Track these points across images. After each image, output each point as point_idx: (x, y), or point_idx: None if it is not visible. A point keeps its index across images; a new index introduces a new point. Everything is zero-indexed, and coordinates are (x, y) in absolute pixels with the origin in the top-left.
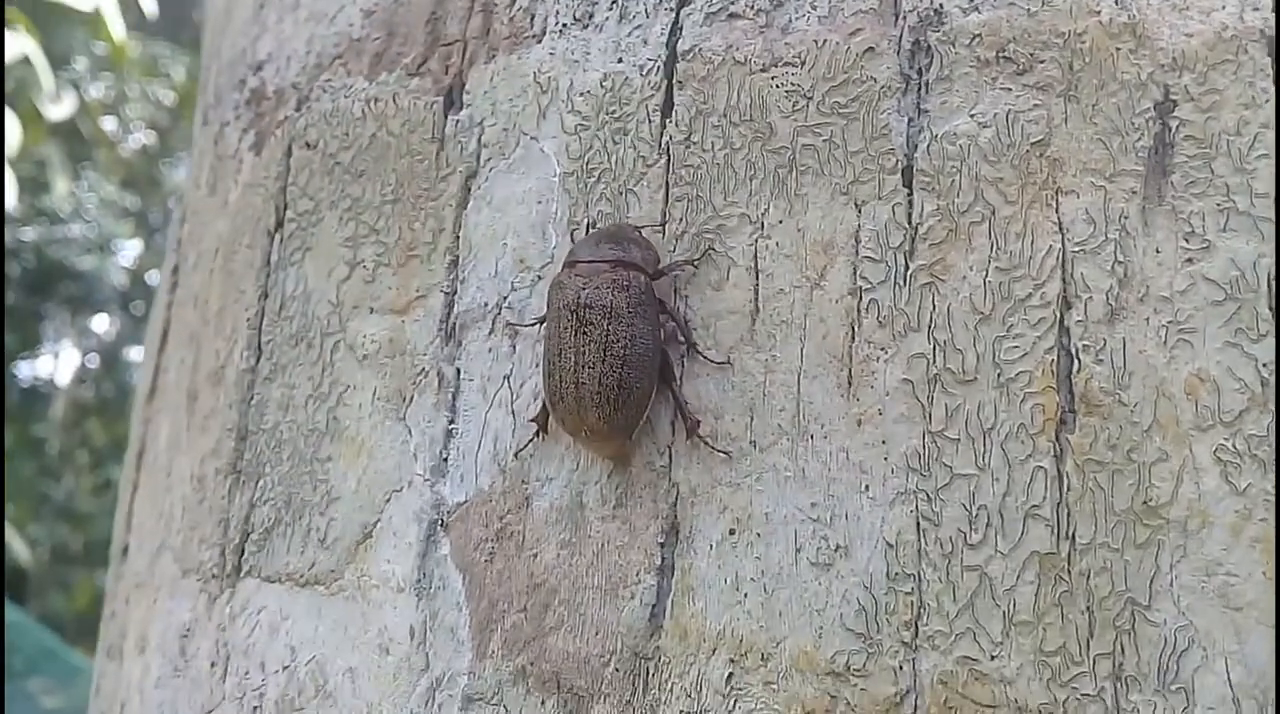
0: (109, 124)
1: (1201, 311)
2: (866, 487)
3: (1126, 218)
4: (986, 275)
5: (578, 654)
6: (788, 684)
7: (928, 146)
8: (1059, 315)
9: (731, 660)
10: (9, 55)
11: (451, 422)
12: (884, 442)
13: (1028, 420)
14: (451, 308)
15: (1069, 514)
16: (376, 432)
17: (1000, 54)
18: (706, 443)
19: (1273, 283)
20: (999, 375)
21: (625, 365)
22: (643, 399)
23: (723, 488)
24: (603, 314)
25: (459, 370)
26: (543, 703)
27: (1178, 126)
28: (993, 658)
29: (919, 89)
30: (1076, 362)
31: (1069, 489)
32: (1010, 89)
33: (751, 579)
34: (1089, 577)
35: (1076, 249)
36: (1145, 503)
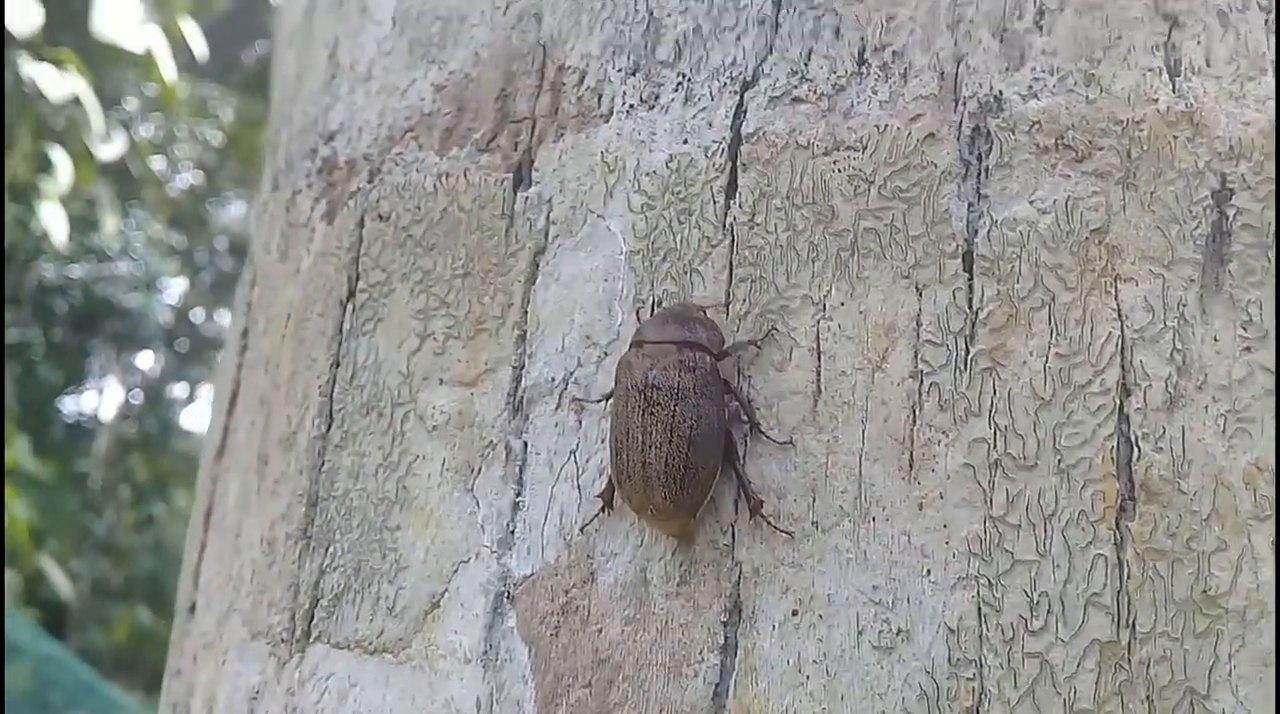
0: (157, 164)
1: (1259, 401)
2: (928, 571)
3: (1185, 306)
4: (1047, 361)
5: None
6: None
7: (988, 232)
8: (1119, 402)
9: None
10: (59, 94)
11: (519, 494)
12: (945, 526)
13: (1088, 507)
14: (519, 382)
15: (1129, 602)
16: (445, 502)
17: (1059, 141)
18: (770, 522)
19: None
20: (1059, 461)
21: (691, 446)
22: (708, 479)
23: (785, 568)
24: (670, 395)
25: (526, 444)
26: None
27: (1235, 215)
28: None
29: (979, 175)
30: (1136, 449)
31: (1129, 577)
32: (1069, 176)
33: (814, 661)
34: (1149, 665)
35: (1135, 336)
36: (1205, 592)
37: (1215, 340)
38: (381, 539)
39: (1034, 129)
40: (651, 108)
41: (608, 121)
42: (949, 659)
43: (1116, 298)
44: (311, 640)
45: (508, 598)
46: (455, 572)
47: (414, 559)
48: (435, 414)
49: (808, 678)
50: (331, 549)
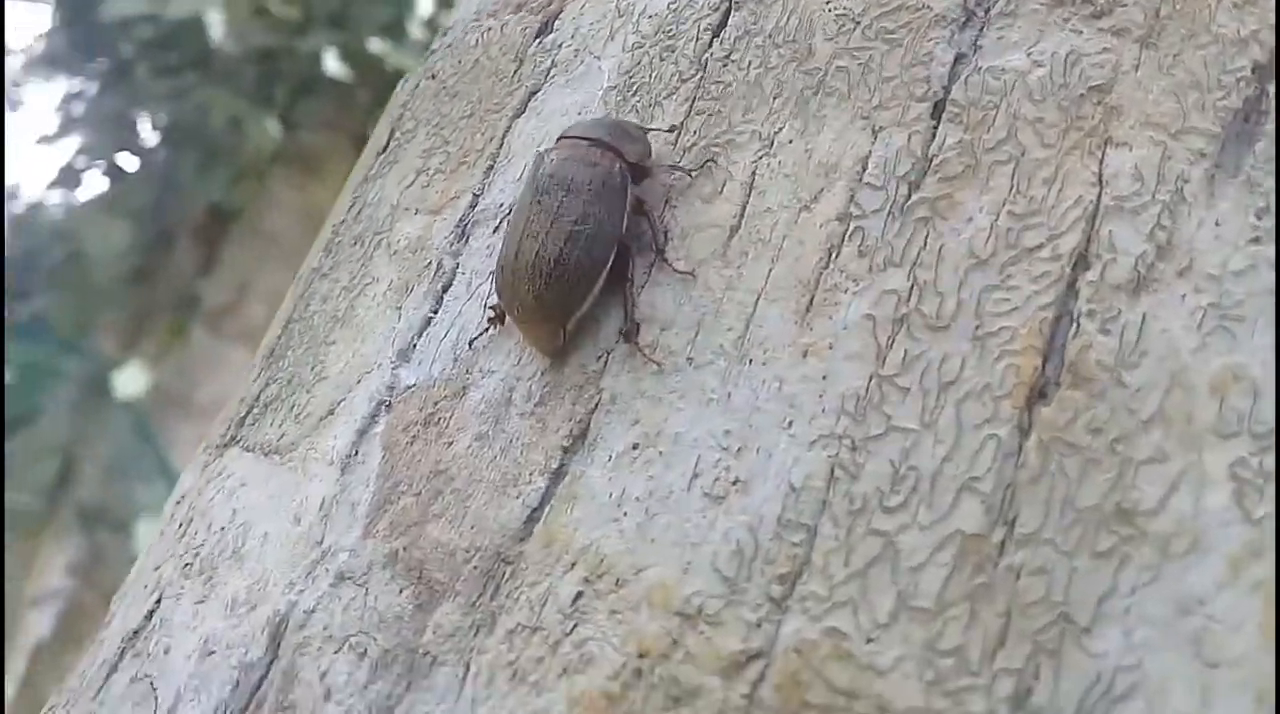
0: None
1: (1257, 299)
2: (790, 423)
3: (1186, 182)
4: (996, 219)
5: (446, 546)
6: (633, 617)
7: (967, 78)
8: (1069, 274)
9: (585, 580)
10: None
11: (434, 311)
12: (824, 377)
13: (996, 381)
14: (475, 207)
15: (1014, 496)
16: (377, 319)
17: None
18: (640, 351)
19: None
20: (977, 328)
21: (569, 241)
22: (580, 283)
23: (643, 400)
24: (560, 185)
25: (458, 265)
26: (400, 591)
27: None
28: (869, 640)
29: (980, 27)
30: (1076, 326)
31: (1023, 466)
32: (1081, 31)
33: (637, 498)
34: (1019, 575)
35: (1112, 204)
36: (1119, 505)
37: (1216, 225)
38: (316, 353)
39: None
40: None
41: None
42: (779, 519)
43: (1101, 162)
44: (231, 445)
45: (386, 407)
46: (358, 382)
47: (333, 371)
48: (400, 240)
49: (625, 514)
50: (279, 364)
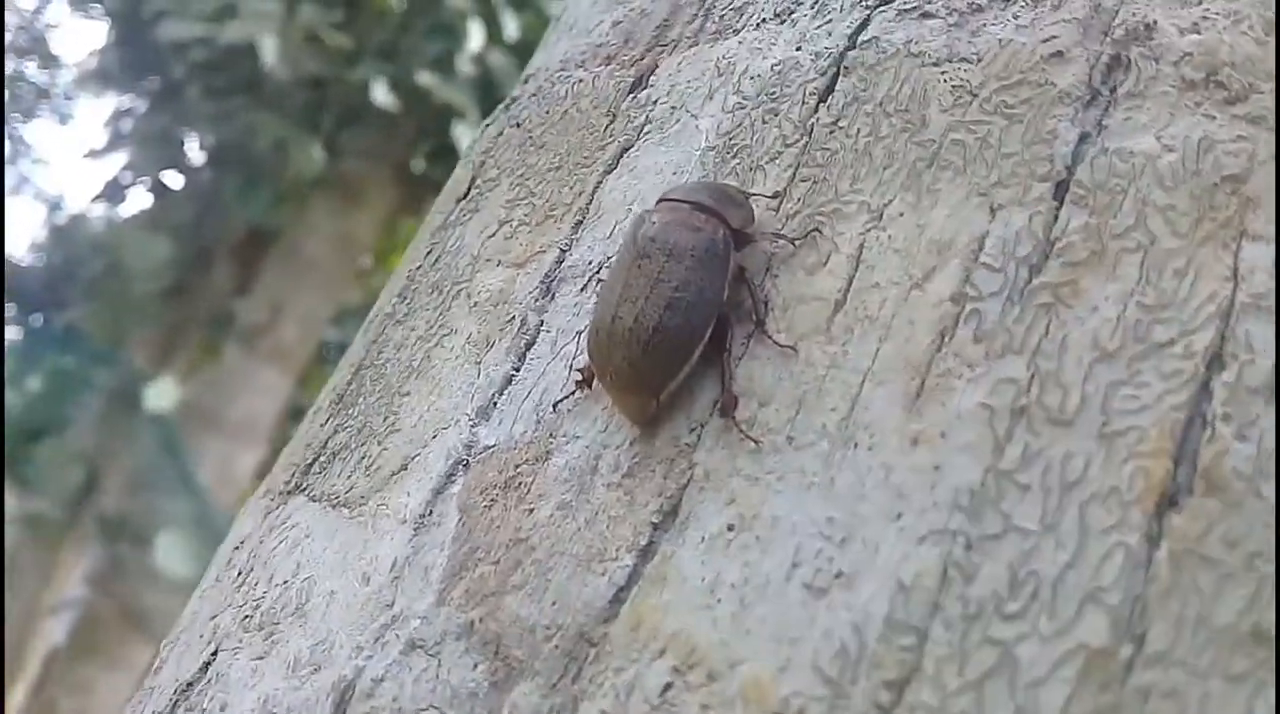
0: None
1: None
2: (899, 515)
3: None
4: (1124, 310)
5: (526, 621)
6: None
7: (1092, 159)
8: (1204, 372)
9: (675, 669)
10: None
11: (516, 369)
12: (936, 468)
13: (1124, 485)
14: (561, 263)
15: (1145, 611)
16: (455, 373)
17: (1211, 77)
18: (737, 426)
19: None
20: (1104, 425)
21: (669, 309)
22: (677, 354)
23: (739, 479)
24: (663, 250)
25: (542, 321)
26: (475, 666)
27: None
28: None
29: (1106, 106)
30: (1211, 429)
31: (1154, 579)
32: (1214, 117)
33: (731, 585)
34: (1148, 696)
35: (1249, 302)
36: (1257, 626)
37: None
38: (389, 404)
39: (1183, 60)
40: (783, 21)
41: (737, 35)
42: (886, 618)
43: (1236, 255)
44: (296, 493)
45: (464, 466)
46: (434, 437)
47: (407, 423)
48: (480, 292)
49: (718, 601)
50: (350, 411)
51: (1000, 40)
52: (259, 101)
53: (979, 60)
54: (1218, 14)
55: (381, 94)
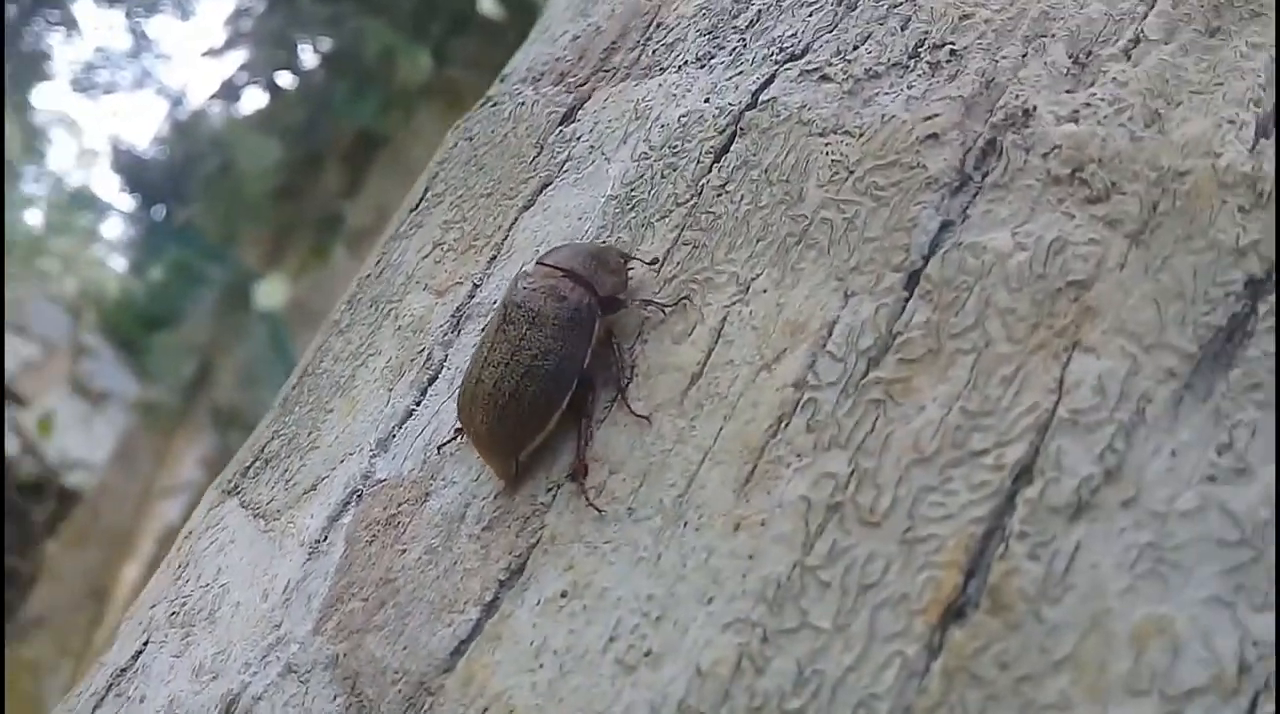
0: None
1: (1198, 546)
2: (710, 599)
3: (1149, 402)
4: (948, 413)
5: (380, 662)
6: None
7: (945, 253)
8: (1009, 486)
9: None
10: None
11: (417, 403)
12: (751, 556)
13: (915, 592)
14: (472, 298)
15: None
16: (371, 397)
17: (1076, 173)
18: (584, 492)
19: None
20: (908, 530)
21: (527, 376)
22: (533, 419)
23: (580, 546)
24: (526, 317)
25: (446, 357)
26: (334, 698)
27: (1266, 314)
28: None
29: (974, 193)
30: (1005, 545)
31: (924, 692)
32: (1073, 216)
33: (555, 651)
34: None
35: (1067, 418)
36: None
37: (1173, 455)
38: (316, 418)
39: (1053, 153)
40: (702, 66)
41: (662, 74)
42: (680, 704)
43: (1065, 367)
44: (232, 494)
45: (358, 497)
46: (341, 462)
47: (325, 442)
48: (406, 316)
49: (540, 666)
50: (286, 418)
51: (884, 116)
52: (369, 8)
53: (860, 135)
54: (1101, 101)
55: (488, 4)
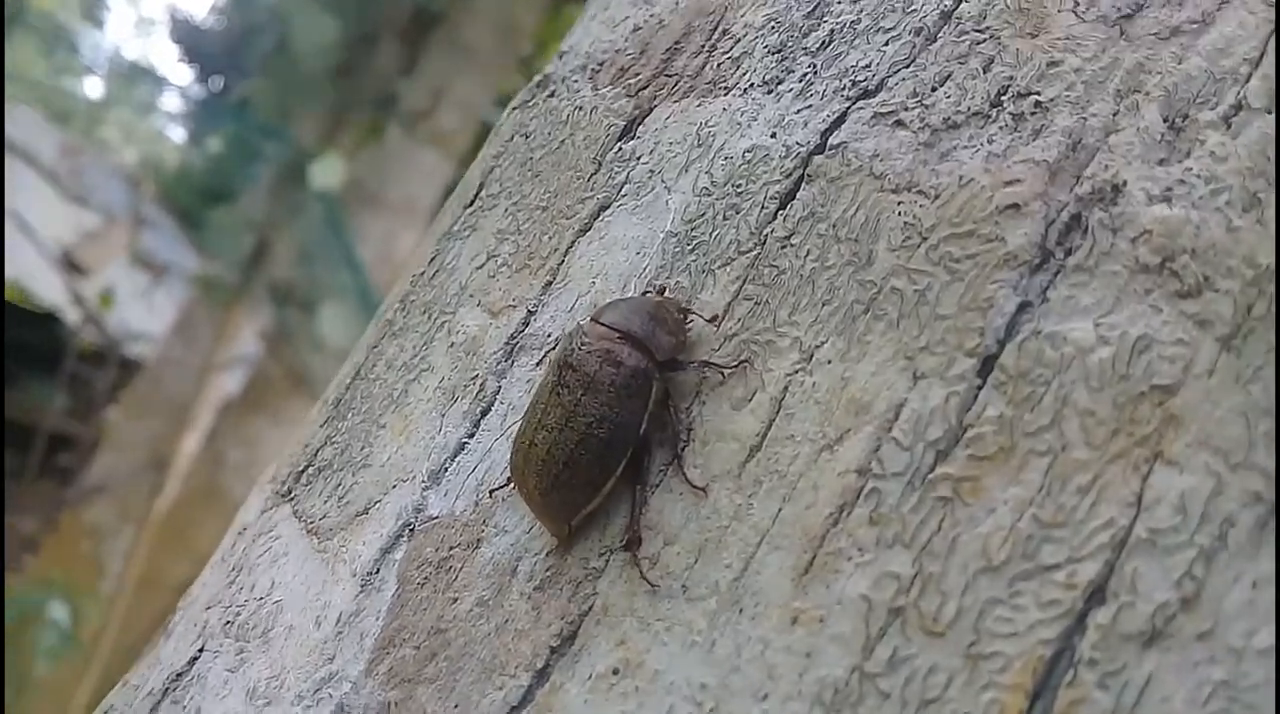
0: None
1: (1274, 689)
2: (765, 696)
3: (1232, 526)
4: (1019, 519)
5: None
6: None
7: (1023, 341)
8: (1081, 607)
9: None
10: None
11: (470, 436)
12: (808, 655)
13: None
14: (526, 326)
15: None
16: (423, 418)
17: (1166, 263)
18: (638, 565)
19: None
20: (972, 645)
21: (581, 445)
22: (587, 489)
23: (632, 620)
24: (581, 382)
25: (500, 389)
26: None
27: None
28: None
29: (1055, 272)
30: (1074, 672)
31: None
32: (1161, 310)
33: None
34: None
35: (1145, 538)
36: None
37: (1254, 587)
38: (369, 431)
39: (1142, 238)
40: (769, 92)
41: (726, 95)
42: None
43: (1145, 481)
44: (286, 500)
45: (410, 532)
46: (394, 487)
47: (377, 461)
48: (459, 332)
49: None
50: (340, 425)
51: (961, 178)
52: None
53: (935, 198)
54: (1198, 178)
55: None
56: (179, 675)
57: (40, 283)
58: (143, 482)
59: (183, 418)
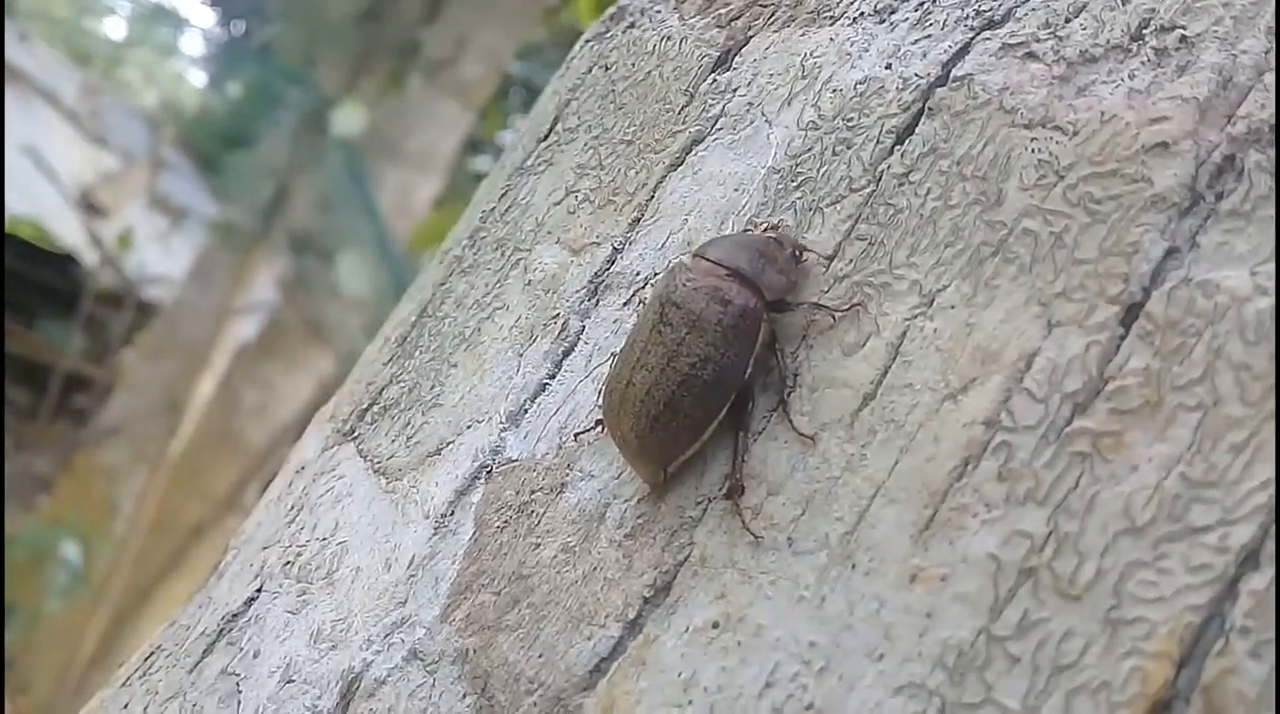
0: None
1: None
2: (881, 656)
3: None
4: (1165, 477)
5: (513, 667)
6: None
7: (1172, 289)
8: (1234, 572)
9: None
10: None
11: (551, 376)
12: (929, 615)
13: (1118, 682)
14: (612, 264)
15: None
16: (499, 357)
17: None
18: (740, 514)
19: None
20: (1112, 609)
21: (683, 386)
22: (687, 433)
23: (733, 572)
24: (686, 320)
25: (584, 328)
26: (464, 696)
27: None
28: None
29: (1205, 217)
30: (1225, 640)
31: None
32: None
33: (705, 688)
34: None
35: None
36: None
37: None
38: (439, 370)
39: None
40: (881, 21)
41: (833, 24)
42: None
43: None
44: (349, 438)
45: (487, 473)
46: (468, 427)
47: (449, 400)
48: (536, 270)
49: (689, 703)
50: (407, 363)
51: (1103, 113)
52: None
53: (1074, 133)
54: None
55: None
56: (235, 616)
57: (59, 223)
58: (157, 424)
59: (198, 362)
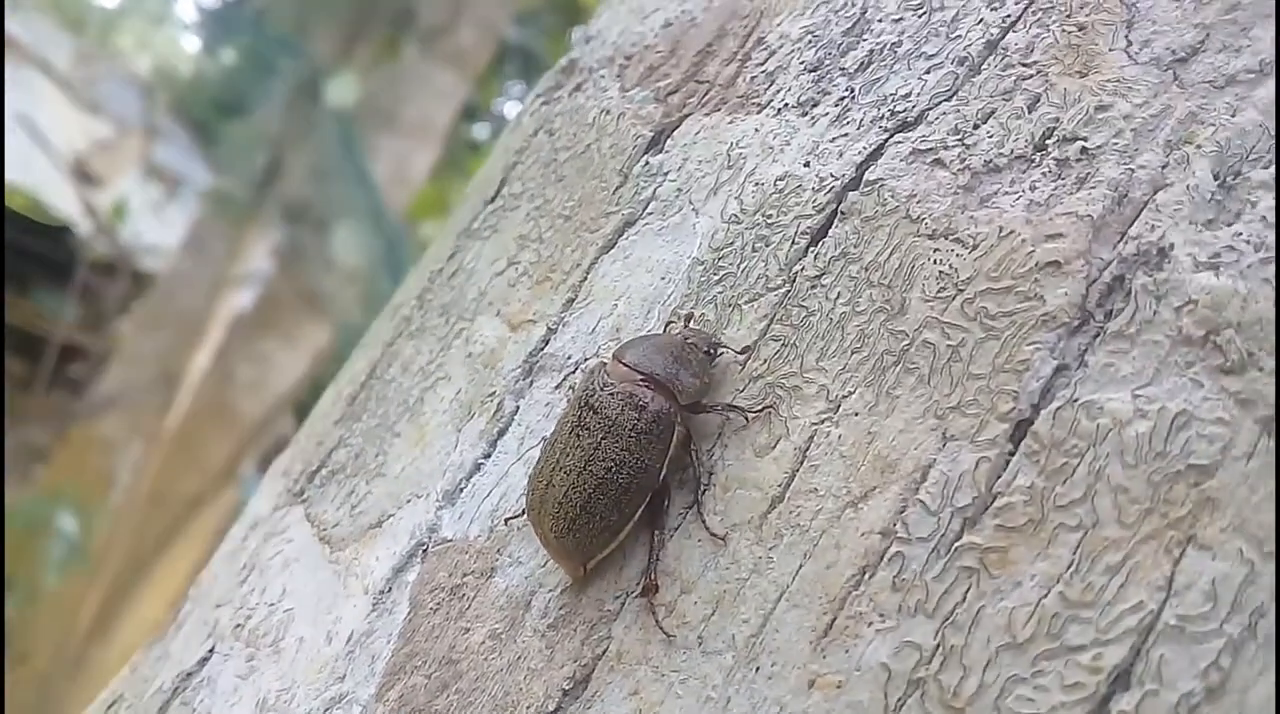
0: None
1: None
2: None
3: (1262, 617)
4: (1045, 596)
5: None
6: None
7: (1057, 410)
8: (1104, 691)
9: None
10: None
11: (486, 456)
12: None
13: None
14: (546, 345)
15: None
16: (438, 431)
17: (1210, 336)
18: (654, 613)
19: None
20: None
21: (599, 490)
22: (604, 534)
23: (646, 668)
24: (602, 426)
25: (518, 409)
26: None
27: None
28: None
29: (1095, 336)
30: None
31: None
32: (1202, 385)
33: None
34: None
35: (1174, 624)
36: None
37: None
38: (383, 439)
39: (1186, 308)
40: (803, 114)
41: (759, 113)
42: None
43: (1176, 564)
44: (299, 500)
45: (423, 552)
46: (408, 502)
47: (391, 471)
48: (477, 342)
49: None
50: (355, 426)
51: (1001, 228)
52: None
53: (974, 247)
54: (1247, 244)
55: None
56: (189, 675)
57: (53, 193)
58: (153, 395)
59: (194, 333)
